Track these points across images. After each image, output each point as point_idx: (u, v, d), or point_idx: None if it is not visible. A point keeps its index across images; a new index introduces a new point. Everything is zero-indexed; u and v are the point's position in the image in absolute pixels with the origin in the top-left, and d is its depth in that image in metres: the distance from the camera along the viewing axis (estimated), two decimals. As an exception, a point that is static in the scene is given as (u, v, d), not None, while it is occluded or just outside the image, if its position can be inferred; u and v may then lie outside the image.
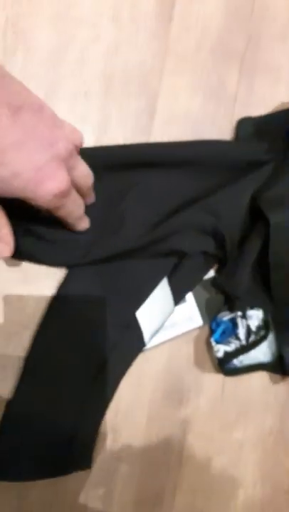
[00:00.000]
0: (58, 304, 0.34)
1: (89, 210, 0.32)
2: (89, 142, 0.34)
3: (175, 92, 0.36)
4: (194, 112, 0.37)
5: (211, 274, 0.37)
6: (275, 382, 0.39)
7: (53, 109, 0.26)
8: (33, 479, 0.33)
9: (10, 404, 0.33)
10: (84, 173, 0.28)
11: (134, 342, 0.35)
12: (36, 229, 0.32)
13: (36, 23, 0.34)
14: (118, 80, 0.35)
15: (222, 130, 0.37)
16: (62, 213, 0.27)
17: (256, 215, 0.34)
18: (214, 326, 0.37)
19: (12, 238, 0.29)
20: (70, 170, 0.26)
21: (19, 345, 0.33)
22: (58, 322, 0.34)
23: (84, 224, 0.32)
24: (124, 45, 0.35)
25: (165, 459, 0.37)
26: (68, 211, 0.28)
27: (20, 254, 0.31)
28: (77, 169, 0.27)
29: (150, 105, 0.36)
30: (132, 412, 0.36)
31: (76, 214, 0.29)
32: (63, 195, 0.25)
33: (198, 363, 0.38)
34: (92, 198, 0.32)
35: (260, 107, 0.39)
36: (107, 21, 0.35)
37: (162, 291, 0.36)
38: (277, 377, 0.39)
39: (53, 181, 0.24)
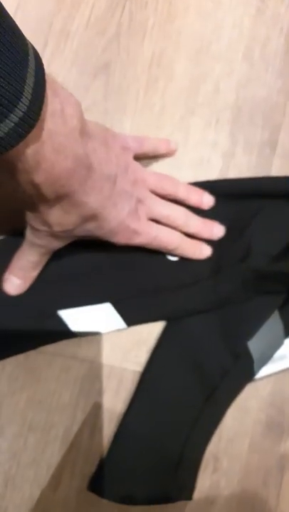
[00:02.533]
0: (175, 327, 0.34)
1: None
2: (218, 166, 0.35)
3: (295, 127, 0.38)
4: (312, 147, 0.38)
5: None
6: None
7: (133, 161, 0.30)
8: (136, 504, 0.33)
9: (123, 420, 0.33)
10: (162, 213, 0.31)
11: (244, 371, 0.35)
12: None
13: (178, 57, 0.36)
14: (246, 112, 0.36)
15: None
16: (152, 246, 0.31)
17: None
18: None
19: (30, 284, 0.31)
20: (148, 212, 0.30)
21: (136, 360, 0.33)
22: (174, 344, 0.34)
23: (195, 252, 0.33)
24: (253, 80, 0.37)
25: (262, 494, 0.36)
26: (155, 245, 0.31)
27: None
28: (154, 210, 0.31)
29: (273, 138, 0.37)
30: (233, 440, 0.35)
31: (169, 246, 0.32)
32: (135, 238, 0.30)
33: (301, 398, 0.37)
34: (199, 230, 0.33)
35: None
36: (241, 58, 0.36)
37: (273, 323, 0.35)
38: None
39: (123, 232, 0.29)
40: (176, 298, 0.34)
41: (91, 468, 0.33)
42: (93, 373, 0.33)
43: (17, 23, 0.19)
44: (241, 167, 0.36)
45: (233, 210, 0.35)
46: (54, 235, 0.27)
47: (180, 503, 0.34)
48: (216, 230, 0.34)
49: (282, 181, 0.36)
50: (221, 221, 0.34)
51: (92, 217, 0.26)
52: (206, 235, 0.34)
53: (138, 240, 0.30)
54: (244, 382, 0.35)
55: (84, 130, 0.23)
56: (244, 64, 0.37)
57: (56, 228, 0.26)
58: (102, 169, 0.25)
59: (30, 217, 0.26)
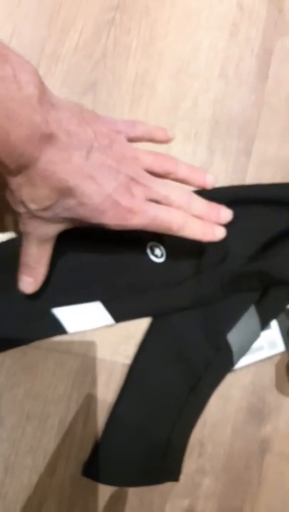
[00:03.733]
0: (161, 323, 0.37)
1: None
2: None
3: (268, 138, 0.41)
4: (284, 156, 0.41)
5: (294, 303, 0.40)
6: None
7: (124, 141, 0.28)
8: (127, 485, 0.35)
9: (114, 410, 0.35)
10: (160, 193, 0.28)
11: (224, 362, 0.38)
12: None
13: (160, 76, 0.39)
14: (223, 124, 0.40)
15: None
16: (152, 228, 0.29)
17: None
18: (296, 352, 0.39)
19: (42, 280, 0.31)
20: (144, 191, 0.28)
21: (125, 354, 0.36)
22: (160, 338, 0.37)
23: (206, 233, 0.31)
24: (229, 96, 0.40)
25: (245, 477, 0.39)
26: (156, 226, 0.28)
27: None
28: (151, 190, 0.28)
29: (248, 147, 0.40)
30: (217, 427, 0.38)
31: (173, 226, 0.29)
32: (130, 218, 0.27)
33: (279, 386, 0.40)
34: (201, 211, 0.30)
35: None
36: (217, 76, 0.40)
37: (250, 317, 0.39)
38: None
39: (114, 210, 0.26)
40: (162, 297, 0.37)
41: (85, 454, 0.36)
42: (85, 367, 0.36)
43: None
44: (219, 174, 0.39)
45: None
46: (36, 217, 0.26)
47: (168, 485, 0.37)
48: (223, 214, 0.31)
49: (256, 189, 0.39)
50: None
51: (68, 191, 0.25)
52: (213, 217, 0.31)
53: (135, 221, 0.27)
54: (225, 372, 0.38)
55: (44, 98, 0.23)
56: (220, 81, 0.40)
57: (32, 206, 0.25)
58: (71, 140, 0.24)
59: (9, 198, 0.25)
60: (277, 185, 0.39)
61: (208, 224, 0.30)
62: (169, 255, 0.37)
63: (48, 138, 0.23)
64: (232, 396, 0.39)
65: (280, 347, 0.40)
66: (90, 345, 0.36)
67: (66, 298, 0.34)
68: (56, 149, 0.24)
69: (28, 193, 0.24)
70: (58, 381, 0.36)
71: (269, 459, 0.39)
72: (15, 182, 0.24)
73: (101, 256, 0.35)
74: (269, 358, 0.40)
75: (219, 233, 0.31)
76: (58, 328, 0.34)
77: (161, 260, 0.37)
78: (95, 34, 0.38)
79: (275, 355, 0.40)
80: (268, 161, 0.40)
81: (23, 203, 0.25)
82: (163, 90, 0.39)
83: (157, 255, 0.37)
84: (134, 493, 0.36)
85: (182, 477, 0.37)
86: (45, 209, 0.25)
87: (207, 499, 0.38)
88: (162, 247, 0.37)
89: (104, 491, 0.36)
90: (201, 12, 0.40)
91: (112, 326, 0.36)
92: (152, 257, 0.37)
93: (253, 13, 0.41)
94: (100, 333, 0.36)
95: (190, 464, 0.38)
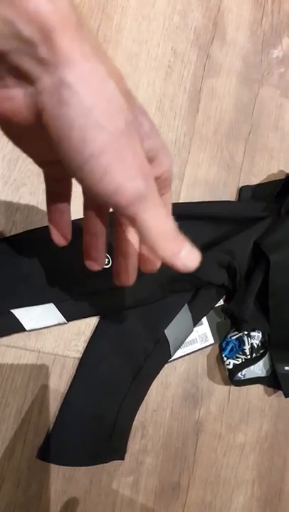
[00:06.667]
0: (107, 320, 0.43)
1: None
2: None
3: (198, 162, 0.49)
4: (211, 178, 0.49)
5: (221, 302, 0.48)
6: (269, 394, 0.49)
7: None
8: (78, 465, 0.40)
9: (66, 397, 0.40)
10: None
11: (163, 353, 0.44)
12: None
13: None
14: (159, 151, 0.47)
15: (231, 192, 0.50)
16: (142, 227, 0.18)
17: (258, 256, 0.45)
18: (224, 345, 0.46)
19: (69, 231, 0.26)
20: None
21: (76, 349, 0.41)
22: (107, 333, 0.42)
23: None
24: (165, 126, 0.47)
25: (182, 454, 0.45)
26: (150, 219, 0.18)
27: None
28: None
29: (180, 171, 0.47)
30: (157, 410, 0.44)
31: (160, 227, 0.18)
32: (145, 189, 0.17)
33: (210, 374, 0.47)
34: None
35: (258, 177, 0.52)
36: (154, 110, 0.47)
37: (184, 315, 0.45)
38: (271, 389, 0.49)
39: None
40: (107, 298, 0.42)
41: (40, 439, 0.40)
42: (41, 361, 0.41)
43: None
44: (157, 194, 0.46)
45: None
46: None
47: (114, 464, 0.42)
48: None
49: (187, 206, 0.46)
50: None
51: None
52: None
53: None
54: (163, 362, 0.44)
55: None
56: (157, 114, 0.47)
57: None
58: None
59: None
60: (205, 203, 0.47)
61: None
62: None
63: None
64: (170, 383, 0.45)
65: (210, 340, 0.47)
66: (45, 342, 0.41)
67: (24, 300, 0.39)
68: None
69: None
70: (16, 374, 0.40)
71: (202, 438, 0.46)
72: None
73: (54, 264, 0.40)
74: (201, 350, 0.46)
75: None
76: (17, 326, 0.38)
77: (107, 266, 0.43)
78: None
79: (206, 347, 0.46)
80: (197, 183, 0.48)
81: None
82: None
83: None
84: (84, 473, 0.41)
85: (127, 456, 0.42)
86: None
87: (149, 475, 0.43)
88: (108, 255, 0.43)
89: (58, 472, 0.41)
90: (140, 55, 0.47)
91: (64, 324, 0.41)
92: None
93: (185, 57, 0.49)
94: (53, 331, 0.41)
95: (134, 444, 0.43)
